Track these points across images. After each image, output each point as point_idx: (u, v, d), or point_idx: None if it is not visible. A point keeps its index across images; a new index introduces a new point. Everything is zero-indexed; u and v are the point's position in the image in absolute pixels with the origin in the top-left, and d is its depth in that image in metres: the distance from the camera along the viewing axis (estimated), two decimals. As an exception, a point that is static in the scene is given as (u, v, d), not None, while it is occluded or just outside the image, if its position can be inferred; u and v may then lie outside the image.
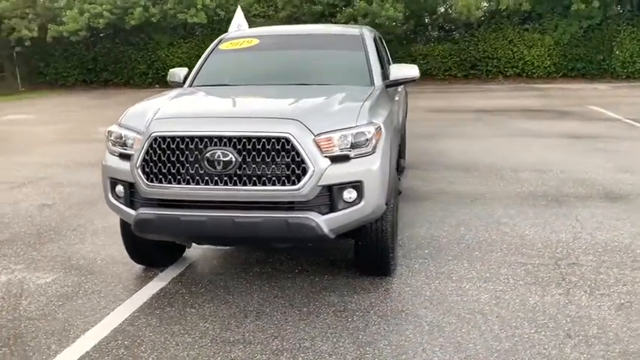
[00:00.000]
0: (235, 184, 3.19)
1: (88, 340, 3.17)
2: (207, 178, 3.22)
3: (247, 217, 3.19)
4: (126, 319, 3.40)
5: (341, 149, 3.24)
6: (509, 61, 20.67)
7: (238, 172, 3.17)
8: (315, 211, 3.21)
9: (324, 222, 3.20)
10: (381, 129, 3.46)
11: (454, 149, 8.40)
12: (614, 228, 4.77)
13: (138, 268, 4.15)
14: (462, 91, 17.68)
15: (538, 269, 3.98)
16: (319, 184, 3.17)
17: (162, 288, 3.84)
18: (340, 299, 3.60)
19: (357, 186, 3.26)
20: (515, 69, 20.74)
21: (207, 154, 3.18)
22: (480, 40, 20.80)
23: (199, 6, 20.73)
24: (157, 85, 21.36)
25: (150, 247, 3.96)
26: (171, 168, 3.25)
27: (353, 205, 3.27)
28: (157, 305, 3.59)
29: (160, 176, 3.27)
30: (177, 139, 3.23)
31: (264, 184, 3.18)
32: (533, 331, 3.14)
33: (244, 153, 3.16)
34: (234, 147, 3.16)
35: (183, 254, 4.36)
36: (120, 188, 3.49)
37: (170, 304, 3.59)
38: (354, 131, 3.30)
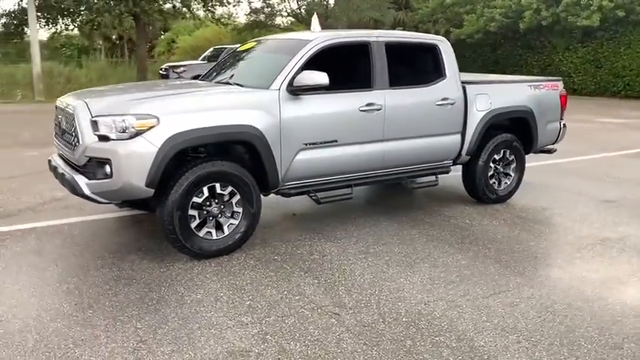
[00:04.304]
0: (65, 144, 4.32)
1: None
2: (59, 136, 4.46)
3: (61, 170, 4.29)
4: (37, 226, 5.01)
5: (104, 131, 3.88)
6: None
7: (64, 136, 4.29)
8: (84, 175, 4.01)
9: (86, 185, 3.96)
10: (155, 122, 3.85)
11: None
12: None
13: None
14: None
15: (334, 323, 3.38)
16: (85, 154, 3.96)
17: (93, 219, 5.24)
18: (136, 272, 4.08)
19: (108, 163, 3.86)
20: None
21: (59, 119, 4.42)
22: None
23: (593, 7, 18.79)
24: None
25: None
26: (56, 127, 4.64)
27: (106, 179, 3.90)
28: (66, 227, 5.03)
29: (55, 132, 4.70)
30: (56, 106, 4.60)
31: (66, 146, 4.21)
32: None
33: (65, 122, 4.26)
34: (64, 116, 4.29)
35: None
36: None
37: (79, 232, 4.99)
38: (119, 118, 3.86)
